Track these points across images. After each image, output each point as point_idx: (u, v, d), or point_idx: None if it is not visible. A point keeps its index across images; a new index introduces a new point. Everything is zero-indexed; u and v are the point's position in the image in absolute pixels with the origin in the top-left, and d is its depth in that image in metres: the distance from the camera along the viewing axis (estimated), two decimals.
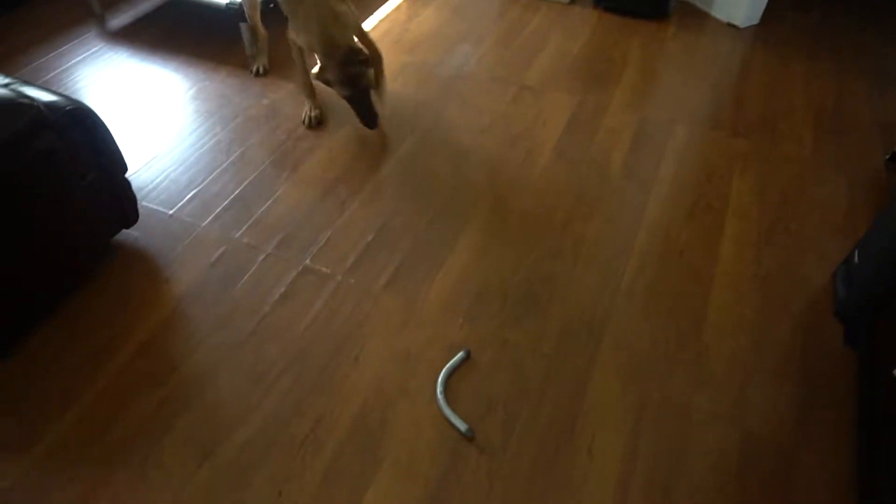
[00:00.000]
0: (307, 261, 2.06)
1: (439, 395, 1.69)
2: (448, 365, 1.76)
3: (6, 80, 1.68)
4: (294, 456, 1.58)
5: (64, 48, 3.00)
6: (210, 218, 2.19)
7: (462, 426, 1.62)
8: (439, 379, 1.73)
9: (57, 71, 2.87)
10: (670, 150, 2.56)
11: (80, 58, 2.95)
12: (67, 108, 1.66)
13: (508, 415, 1.67)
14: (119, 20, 3.22)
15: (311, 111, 2.62)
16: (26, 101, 1.51)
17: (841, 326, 1.89)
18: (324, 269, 2.03)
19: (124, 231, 2.08)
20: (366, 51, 2.40)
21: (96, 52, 2.99)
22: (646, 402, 1.72)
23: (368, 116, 2.42)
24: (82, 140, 1.72)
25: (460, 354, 1.78)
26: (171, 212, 2.21)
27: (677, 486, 1.55)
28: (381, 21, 3.29)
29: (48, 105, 1.61)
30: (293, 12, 2.40)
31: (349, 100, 2.40)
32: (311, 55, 2.54)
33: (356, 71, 2.32)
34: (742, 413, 1.70)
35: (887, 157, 2.51)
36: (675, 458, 1.61)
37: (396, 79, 2.88)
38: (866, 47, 3.27)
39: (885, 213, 1.85)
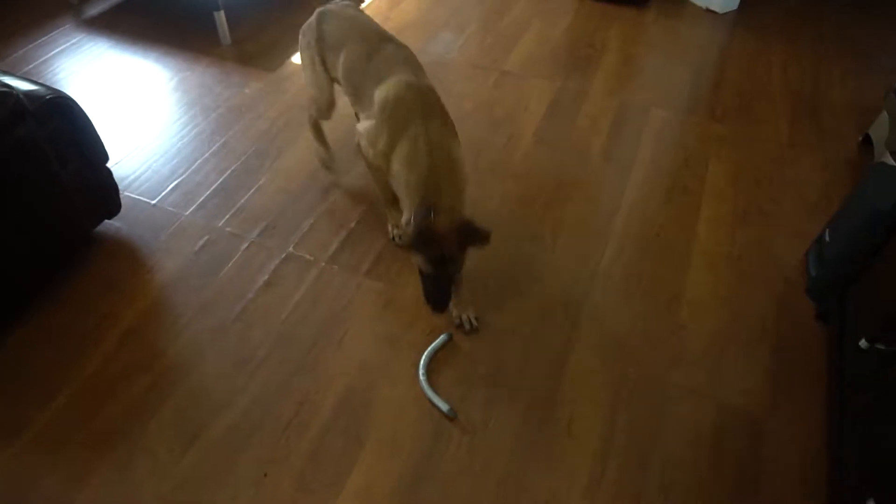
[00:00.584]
0: (290, 248, 2.08)
1: (422, 378, 1.72)
2: (430, 347, 1.79)
3: None
4: (279, 437, 1.61)
5: (42, 39, 2.98)
6: (193, 207, 2.21)
7: (444, 407, 1.66)
8: (421, 361, 1.76)
9: (36, 62, 2.85)
10: (649, 134, 2.60)
11: (59, 49, 2.93)
12: (47, 97, 1.66)
13: (489, 394, 1.71)
14: (95, 9, 3.20)
15: (395, 228, 2.10)
16: (5, 89, 1.51)
17: (813, 303, 1.94)
18: (307, 256, 2.06)
19: (107, 221, 2.09)
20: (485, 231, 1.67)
21: (76, 43, 2.98)
22: (623, 379, 1.76)
23: (438, 298, 1.71)
24: (63, 129, 1.73)
25: (442, 337, 1.81)
26: (153, 201, 2.22)
27: (653, 459, 1.60)
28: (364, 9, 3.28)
29: (28, 94, 1.61)
30: (393, 131, 1.76)
31: (426, 277, 1.71)
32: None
33: (458, 255, 1.68)
34: (717, 387, 1.75)
35: (861, 138, 2.56)
36: (652, 433, 1.65)
37: None
38: (846, 29, 3.31)
39: (854, 192, 1.90)
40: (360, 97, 1.93)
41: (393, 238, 2.10)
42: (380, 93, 1.81)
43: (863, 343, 1.48)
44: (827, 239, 1.92)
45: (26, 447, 1.59)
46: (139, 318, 1.87)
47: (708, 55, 3.12)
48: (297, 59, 2.94)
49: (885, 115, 2.38)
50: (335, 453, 1.59)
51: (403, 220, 1.78)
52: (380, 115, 1.80)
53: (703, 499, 1.53)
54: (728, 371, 1.79)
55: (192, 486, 1.52)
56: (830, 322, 1.78)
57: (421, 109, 1.76)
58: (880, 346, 1.43)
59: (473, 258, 2.06)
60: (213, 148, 2.44)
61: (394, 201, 1.99)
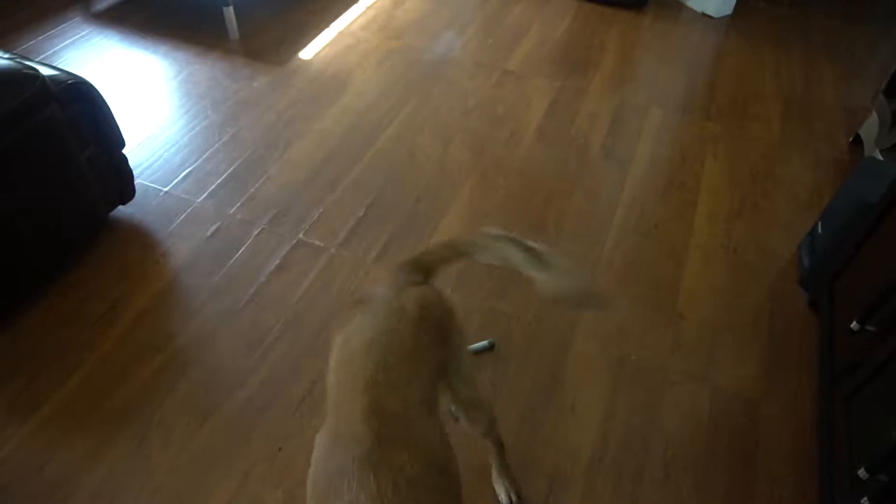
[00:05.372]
0: (301, 235, 2.13)
1: None
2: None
3: (8, 55, 1.73)
4: (292, 414, 1.66)
5: (51, 31, 3.02)
6: (205, 195, 2.25)
7: (481, 345, 1.79)
8: None
9: (46, 54, 2.88)
10: (647, 132, 2.68)
11: (69, 41, 2.97)
12: (69, 81, 1.71)
13: (494, 376, 1.77)
14: (104, 3, 3.24)
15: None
16: (32, 71, 1.56)
17: (804, 293, 2.02)
18: (317, 243, 2.11)
19: (120, 207, 2.13)
20: None
21: (85, 35, 3.02)
22: (624, 363, 1.83)
23: None
24: (83, 113, 1.77)
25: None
26: (166, 189, 2.27)
27: (654, 438, 1.66)
28: (368, 8, 3.35)
29: (50, 78, 1.65)
30: None
31: None
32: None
33: None
34: (713, 372, 1.82)
35: (850, 139, 2.65)
36: (651, 414, 1.71)
37: (383, 63, 2.95)
38: (834, 35, 3.42)
39: (845, 186, 1.98)
40: None
41: None
42: None
43: (854, 325, 1.56)
44: (819, 231, 2.00)
45: (42, 424, 1.62)
46: (153, 300, 1.91)
47: (703, 57, 3.21)
48: (304, 54, 3.00)
49: (874, 115, 2.47)
50: None
51: None
52: None
53: (702, 474, 1.59)
54: (724, 357, 1.86)
55: (207, 458, 1.56)
56: (822, 309, 1.85)
57: None
58: (870, 328, 1.50)
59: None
60: (224, 138, 2.49)
61: None
